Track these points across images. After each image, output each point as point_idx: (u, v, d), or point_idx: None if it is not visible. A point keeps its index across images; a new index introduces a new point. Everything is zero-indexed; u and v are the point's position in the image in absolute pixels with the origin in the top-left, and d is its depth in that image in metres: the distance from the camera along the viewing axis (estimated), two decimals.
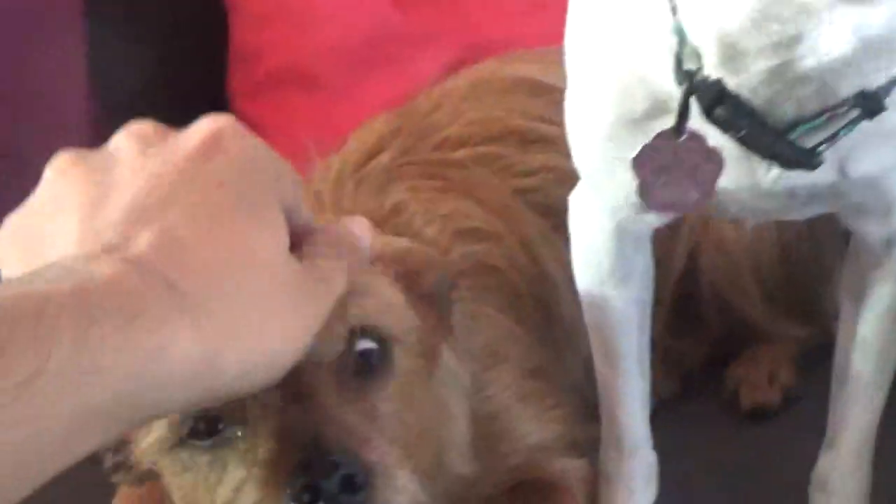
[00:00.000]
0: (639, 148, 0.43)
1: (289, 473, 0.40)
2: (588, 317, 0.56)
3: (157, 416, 0.34)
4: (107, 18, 0.84)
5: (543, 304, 0.59)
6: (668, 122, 0.43)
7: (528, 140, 0.57)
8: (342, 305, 0.41)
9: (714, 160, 0.42)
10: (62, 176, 0.33)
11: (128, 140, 0.34)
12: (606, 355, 0.57)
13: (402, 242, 0.49)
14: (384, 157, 0.57)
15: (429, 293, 0.49)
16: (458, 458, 0.54)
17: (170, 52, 0.85)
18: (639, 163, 0.42)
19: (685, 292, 0.69)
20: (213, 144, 0.34)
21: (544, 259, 0.56)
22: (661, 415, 0.65)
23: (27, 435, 0.26)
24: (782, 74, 0.36)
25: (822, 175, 0.40)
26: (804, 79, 0.36)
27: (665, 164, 0.44)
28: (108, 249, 0.30)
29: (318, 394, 0.42)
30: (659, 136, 0.42)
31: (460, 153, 0.58)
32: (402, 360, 0.47)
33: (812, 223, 0.62)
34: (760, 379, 0.67)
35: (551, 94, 0.52)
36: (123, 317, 0.28)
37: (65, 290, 0.27)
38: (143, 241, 0.30)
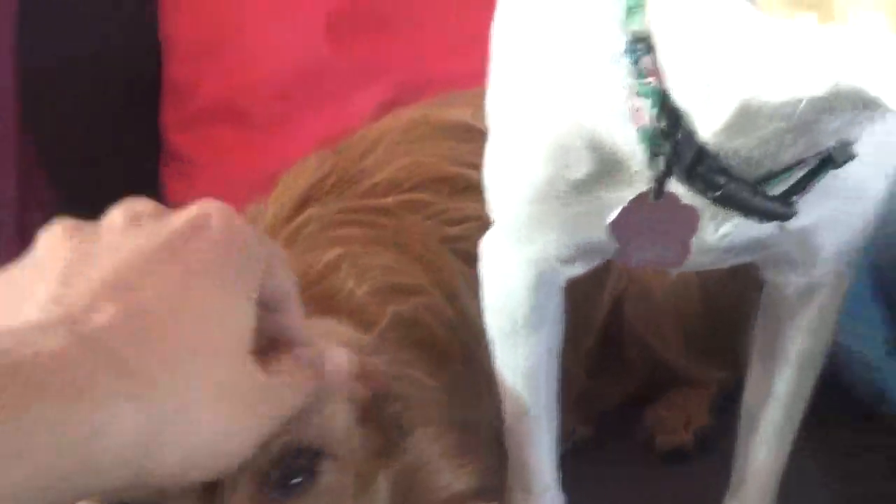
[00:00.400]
0: (578, 208, 0.45)
1: None
2: (499, 362, 0.56)
3: (80, 498, 0.32)
4: (39, 45, 0.83)
5: (466, 353, 0.60)
6: (619, 182, 0.44)
7: (457, 187, 0.58)
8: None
9: (690, 218, 0.43)
10: (51, 241, 0.33)
11: (121, 215, 0.34)
12: (515, 400, 0.58)
13: (373, 363, 0.50)
14: (316, 209, 0.58)
15: (382, 420, 0.50)
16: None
17: (104, 83, 0.84)
18: (615, 226, 0.43)
19: (608, 336, 0.71)
20: (200, 225, 0.34)
21: (468, 308, 0.57)
22: (576, 456, 0.67)
23: None
24: (785, 134, 0.36)
25: (764, 228, 0.41)
26: (802, 135, 0.36)
27: (640, 225, 0.44)
28: (66, 321, 0.30)
29: (233, 500, 0.41)
30: (636, 199, 0.42)
31: (390, 199, 0.59)
32: (331, 479, 0.47)
33: (734, 270, 0.64)
34: (677, 422, 0.70)
35: (482, 140, 0.54)
36: (66, 393, 0.28)
37: (6, 364, 0.27)
38: (104, 314, 0.30)
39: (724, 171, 0.37)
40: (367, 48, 0.85)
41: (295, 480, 0.44)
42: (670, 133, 0.38)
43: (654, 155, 0.39)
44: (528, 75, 0.47)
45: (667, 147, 0.38)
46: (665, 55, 0.36)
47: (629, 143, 0.40)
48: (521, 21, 0.50)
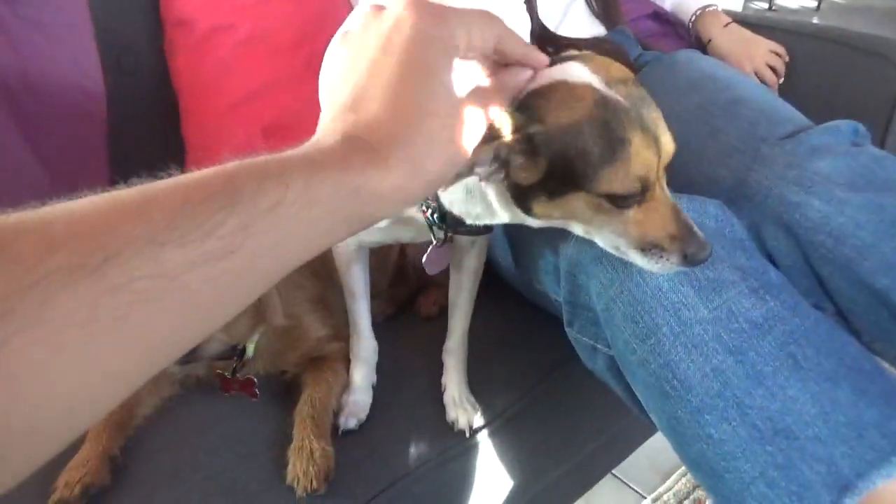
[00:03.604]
0: (390, 231, 0.78)
1: None
2: (341, 272, 0.91)
3: (365, 227, 0.42)
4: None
5: (327, 271, 1.00)
6: (409, 225, 0.76)
7: None
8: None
9: (448, 246, 0.77)
10: (352, 38, 0.45)
11: (362, 20, 0.45)
12: (349, 292, 0.92)
13: None
14: None
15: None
16: (275, 317, 0.90)
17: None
18: (426, 259, 0.77)
19: (399, 266, 1.18)
20: (399, 22, 0.43)
21: (329, 252, 0.91)
22: (387, 322, 1.12)
23: (278, 238, 0.36)
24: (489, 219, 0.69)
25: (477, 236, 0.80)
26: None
27: (433, 256, 0.78)
28: (338, 116, 0.42)
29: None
30: (432, 246, 0.75)
31: None
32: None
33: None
34: (429, 303, 1.15)
35: None
36: (336, 169, 0.38)
37: (299, 158, 0.38)
38: (358, 115, 0.41)
39: (462, 223, 0.70)
40: (283, 140, 1.20)
41: None
42: (442, 220, 0.70)
43: (436, 228, 0.71)
44: None
45: (443, 226, 0.71)
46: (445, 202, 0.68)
47: (420, 221, 0.72)
48: None
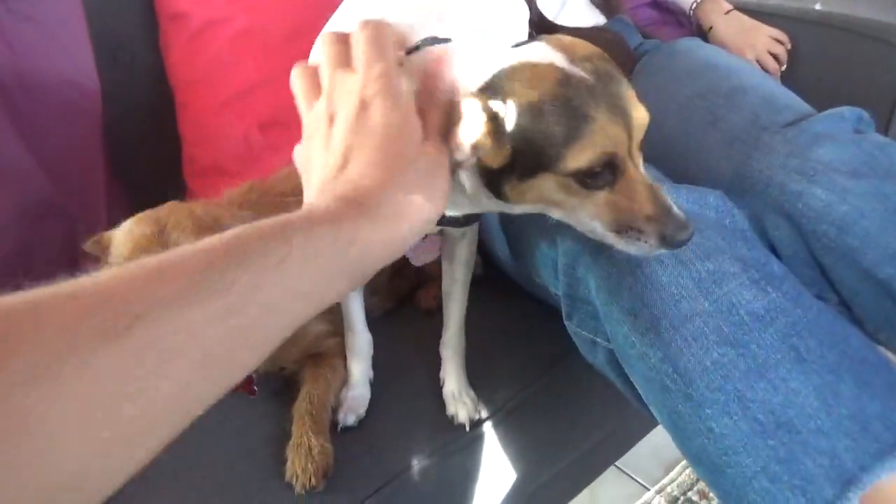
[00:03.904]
0: None
1: None
2: None
3: (366, 277, 0.47)
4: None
5: None
6: None
7: None
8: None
9: (439, 239, 0.81)
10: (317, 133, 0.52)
11: (337, 102, 0.52)
12: None
13: None
14: (253, 195, 1.01)
15: None
16: None
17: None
18: (411, 249, 0.69)
19: (397, 261, 1.15)
20: (362, 105, 0.50)
21: None
22: (386, 317, 1.10)
23: (285, 292, 0.39)
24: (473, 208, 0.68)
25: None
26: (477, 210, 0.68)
27: (421, 247, 0.81)
28: (325, 186, 0.47)
29: None
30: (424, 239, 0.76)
31: (289, 198, 0.97)
32: None
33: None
34: (429, 296, 1.12)
35: None
36: (331, 225, 0.43)
37: (299, 218, 0.42)
38: (344, 184, 0.47)
39: (444, 214, 0.69)
40: (279, 134, 1.25)
41: None
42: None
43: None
44: None
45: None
46: None
47: None
48: None
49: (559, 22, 1.27)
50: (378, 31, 0.54)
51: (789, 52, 1.49)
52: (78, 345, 0.32)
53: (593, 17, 1.34)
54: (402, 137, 0.50)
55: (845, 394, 0.63)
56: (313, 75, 0.56)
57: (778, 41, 1.49)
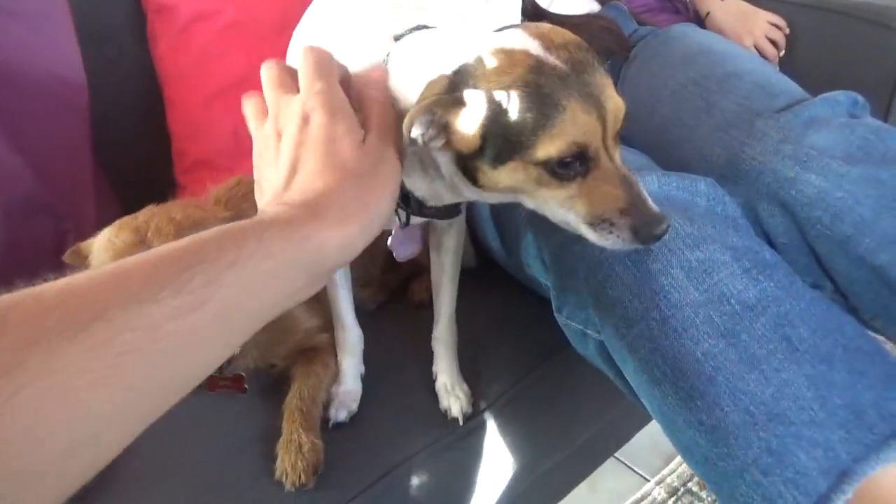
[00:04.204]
0: None
1: None
2: None
3: (326, 274, 0.49)
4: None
5: None
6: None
7: None
8: None
9: (421, 231, 0.76)
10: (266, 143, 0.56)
11: (287, 120, 0.55)
12: (329, 280, 0.89)
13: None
14: (241, 189, 0.97)
15: None
16: None
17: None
18: (392, 240, 0.74)
19: (389, 254, 1.14)
20: (304, 120, 0.54)
21: None
22: (377, 312, 1.10)
23: (242, 291, 0.42)
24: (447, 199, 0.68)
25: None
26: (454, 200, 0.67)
27: (400, 238, 0.75)
28: (276, 196, 0.51)
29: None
30: (397, 228, 0.74)
31: None
32: None
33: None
34: (421, 288, 1.12)
35: None
36: (283, 227, 0.45)
37: (251, 222, 0.45)
38: (293, 192, 0.50)
39: (425, 205, 0.70)
40: None
41: None
42: (405, 201, 0.69)
43: (399, 209, 0.70)
44: None
45: (402, 208, 0.69)
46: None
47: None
48: None
49: (553, 10, 1.26)
50: (319, 54, 0.58)
51: (788, 38, 1.47)
52: (41, 339, 0.34)
53: (587, 5, 1.33)
54: (342, 145, 0.53)
55: (839, 384, 0.61)
56: (261, 101, 0.60)
57: (776, 26, 1.47)
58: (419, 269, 1.13)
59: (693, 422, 0.64)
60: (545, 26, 0.60)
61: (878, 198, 0.77)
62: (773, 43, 1.46)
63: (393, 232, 0.74)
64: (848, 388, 0.61)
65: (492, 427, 0.95)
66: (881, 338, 0.76)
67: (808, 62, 1.47)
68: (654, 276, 0.67)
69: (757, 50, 1.45)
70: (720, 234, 0.69)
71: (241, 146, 1.21)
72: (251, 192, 0.98)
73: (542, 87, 0.55)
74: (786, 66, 1.44)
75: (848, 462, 0.58)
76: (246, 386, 0.92)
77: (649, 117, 1.03)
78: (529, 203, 0.62)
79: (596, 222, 0.58)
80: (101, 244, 0.81)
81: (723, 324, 0.64)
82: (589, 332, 0.78)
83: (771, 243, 0.84)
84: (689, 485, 1.44)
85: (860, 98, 0.91)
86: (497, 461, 0.96)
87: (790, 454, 0.60)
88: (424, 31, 0.68)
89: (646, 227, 0.56)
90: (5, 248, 0.98)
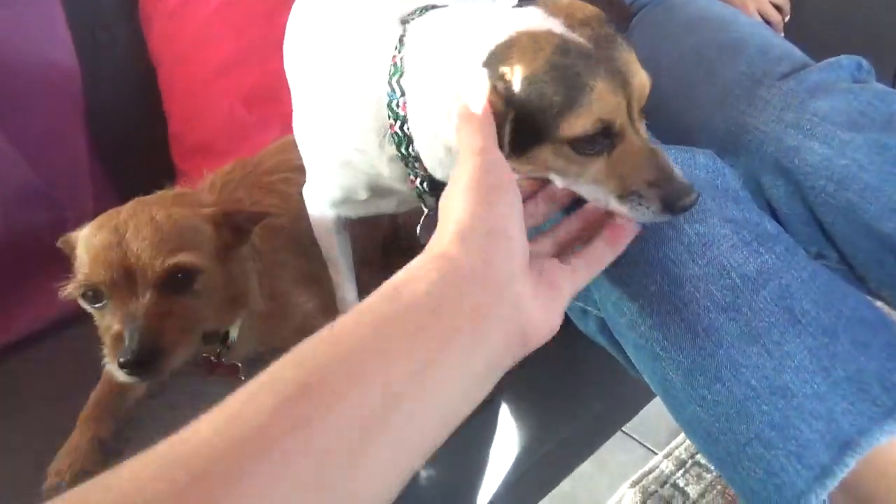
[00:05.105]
0: (366, 204, 0.78)
1: (119, 348, 0.69)
2: (321, 242, 0.90)
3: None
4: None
5: (308, 237, 0.94)
6: (390, 196, 0.76)
7: (304, 170, 0.87)
8: (160, 249, 0.71)
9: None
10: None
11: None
12: (332, 263, 0.92)
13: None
14: (237, 174, 0.99)
15: (236, 225, 0.82)
16: (255, 301, 0.90)
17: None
18: (422, 228, 0.73)
19: (391, 233, 1.15)
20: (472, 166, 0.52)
21: (307, 220, 0.90)
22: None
23: (443, 394, 0.44)
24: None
25: None
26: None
27: (428, 223, 0.73)
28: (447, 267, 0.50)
29: (147, 300, 0.72)
30: (426, 215, 0.73)
31: (274, 176, 1.00)
32: (206, 278, 0.77)
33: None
34: None
35: None
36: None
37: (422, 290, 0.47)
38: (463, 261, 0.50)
39: (440, 185, 0.67)
40: (266, 109, 1.24)
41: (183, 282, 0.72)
42: (423, 185, 0.69)
43: (420, 196, 0.70)
44: (327, 137, 0.76)
45: (430, 194, 0.70)
46: (426, 160, 0.67)
47: (390, 181, 0.72)
48: (310, 71, 0.78)
49: None
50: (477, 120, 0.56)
51: (792, 2, 1.43)
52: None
53: None
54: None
55: (842, 355, 0.60)
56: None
57: None
58: (420, 248, 1.12)
59: (694, 397, 0.63)
60: (563, 1, 0.59)
61: (883, 164, 0.75)
62: (778, 8, 1.43)
63: (422, 220, 0.74)
64: (851, 359, 0.60)
65: (499, 403, 0.95)
66: (887, 308, 0.74)
67: (814, 27, 1.43)
68: (654, 251, 0.66)
69: (761, 16, 1.42)
70: (719, 206, 0.68)
71: (239, 129, 1.22)
72: (248, 174, 0.99)
73: (568, 67, 0.55)
74: (791, 31, 1.41)
75: (851, 434, 0.58)
76: (242, 378, 0.91)
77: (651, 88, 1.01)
78: (559, 181, 0.61)
79: (625, 195, 0.58)
80: (83, 241, 0.81)
81: (723, 297, 0.63)
82: (589, 308, 0.77)
83: (774, 214, 0.83)
84: (697, 457, 1.44)
85: (864, 62, 0.88)
86: (504, 437, 0.96)
87: (792, 427, 0.59)
88: (435, 11, 0.67)
89: (675, 198, 0.57)
90: (4, 238, 0.97)
